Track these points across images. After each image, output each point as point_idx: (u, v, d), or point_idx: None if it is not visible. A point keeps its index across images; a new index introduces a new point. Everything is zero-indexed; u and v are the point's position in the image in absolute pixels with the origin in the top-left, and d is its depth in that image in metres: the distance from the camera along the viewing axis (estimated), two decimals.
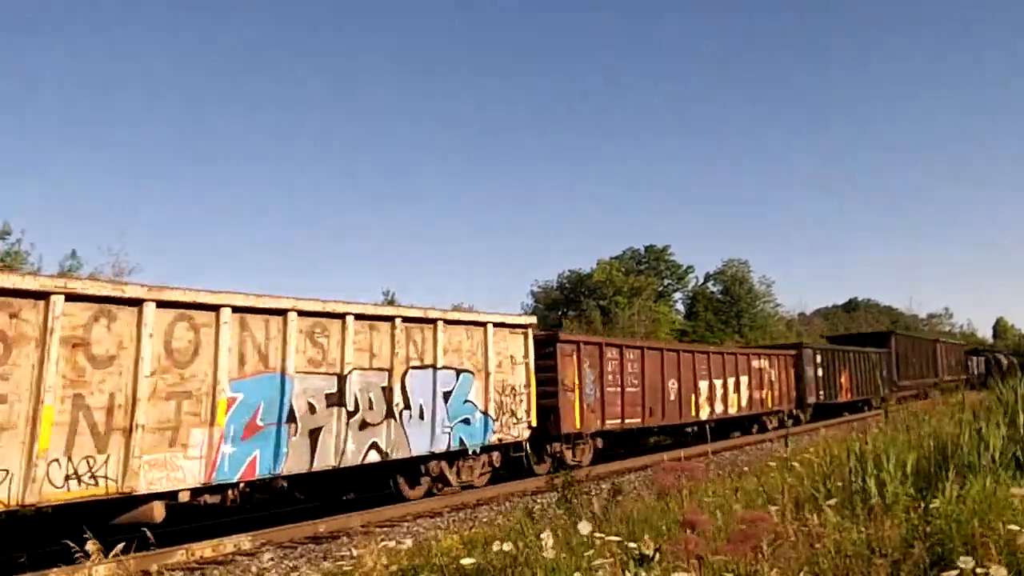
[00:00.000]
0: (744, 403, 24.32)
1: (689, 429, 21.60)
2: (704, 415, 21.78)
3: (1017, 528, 3.77)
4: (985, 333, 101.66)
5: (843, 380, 31.47)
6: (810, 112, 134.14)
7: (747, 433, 24.64)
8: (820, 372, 29.14)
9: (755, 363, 25.27)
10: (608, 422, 17.33)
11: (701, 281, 63.70)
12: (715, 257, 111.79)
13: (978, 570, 3.16)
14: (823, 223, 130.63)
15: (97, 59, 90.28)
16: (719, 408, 22.74)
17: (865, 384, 33.46)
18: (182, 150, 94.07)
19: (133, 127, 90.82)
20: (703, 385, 21.95)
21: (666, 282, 61.48)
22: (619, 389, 17.80)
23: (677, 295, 62.93)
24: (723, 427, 23.45)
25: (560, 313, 51.40)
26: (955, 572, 3.20)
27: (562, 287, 57.31)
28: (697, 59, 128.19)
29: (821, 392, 29.00)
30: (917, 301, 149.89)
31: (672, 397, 20.09)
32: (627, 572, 3.30)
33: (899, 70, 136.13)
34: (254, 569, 8.80)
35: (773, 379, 26.21)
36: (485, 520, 10.77)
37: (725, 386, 23.20)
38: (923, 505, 4.74)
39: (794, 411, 26.76)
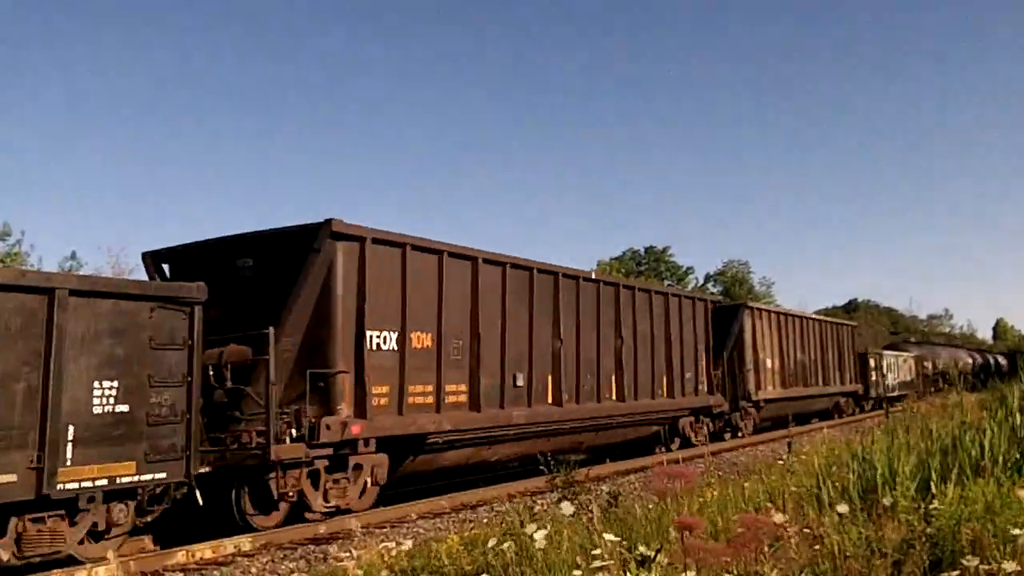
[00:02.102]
0: None
1: None
2: None
3: (1018, 531, 3.75)
4: (985, 334, 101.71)
5: None
6: (810, 112, 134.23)
7: None
8: None
9: None
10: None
11: (701, 282, 63.79)
12: (715, 258, 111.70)
13: (983, 567, 3.14)
14: (824, 224, 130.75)
15: (97, 59, 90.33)
16: None
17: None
18: (182, 149, 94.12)
19: (133, 126, 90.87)
20: None
21: (666, 283, 61.49)
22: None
23: None
24: None
25: None
26: (956, 572, 3.19)
27: None
28: (697, 59, 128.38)
29: None
30: (917, 302, 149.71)
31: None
32: (628, 573, 3.30)
33: (899, 70, 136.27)
34: (254, 570, 8.78)
35: None
36: (485, 520, 10.75)
37: None
38: (923, 506, 4.73)
39: None
